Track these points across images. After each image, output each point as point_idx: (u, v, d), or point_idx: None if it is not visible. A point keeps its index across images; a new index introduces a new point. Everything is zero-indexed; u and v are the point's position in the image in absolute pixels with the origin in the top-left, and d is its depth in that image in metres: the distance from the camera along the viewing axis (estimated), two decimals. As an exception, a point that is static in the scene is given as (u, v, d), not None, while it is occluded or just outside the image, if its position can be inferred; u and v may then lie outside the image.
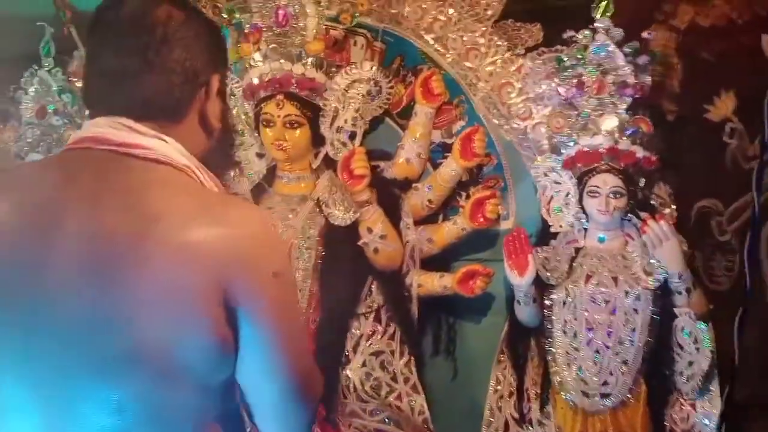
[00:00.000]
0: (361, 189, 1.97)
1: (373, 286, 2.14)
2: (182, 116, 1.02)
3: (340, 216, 2.04)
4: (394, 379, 2.06)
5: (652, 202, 2.05)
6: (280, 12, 2.09)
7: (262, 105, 2.10)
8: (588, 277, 1.96)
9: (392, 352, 2.09)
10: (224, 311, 0.93)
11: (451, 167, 2.10)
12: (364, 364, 2.06)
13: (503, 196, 2.22)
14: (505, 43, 2.21)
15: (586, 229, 2.04)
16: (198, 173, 1.01)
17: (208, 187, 1.02)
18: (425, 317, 2.22)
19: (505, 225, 2.22)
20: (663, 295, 1.92)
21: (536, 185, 2.13)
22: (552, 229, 2.10)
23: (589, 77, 2.00)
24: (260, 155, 2.19)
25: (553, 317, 1.97)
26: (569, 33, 2.02)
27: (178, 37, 1.00)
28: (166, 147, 0.98)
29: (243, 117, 2.18)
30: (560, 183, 2.08)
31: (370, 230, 2.03)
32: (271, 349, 0.98)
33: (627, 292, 1.92)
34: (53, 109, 2.49)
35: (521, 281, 1.97)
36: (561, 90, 2.04)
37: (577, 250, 2.03)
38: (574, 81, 2.01)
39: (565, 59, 2.03)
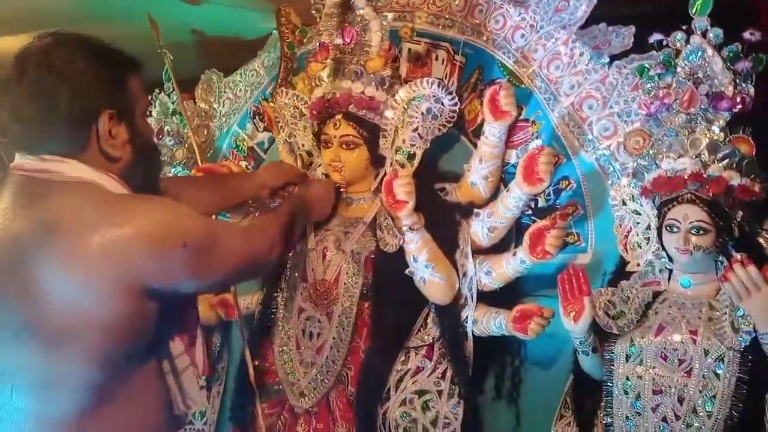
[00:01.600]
0: (406, 214, 1.84)
1: (429, 319, 1.98)
2: (82, 149, 1.22)
3: (389, 242, 1.92)
4: (435, 423, 1.88)
5: (760, 240, 1.65)
6: (347, 29, 2.04)
7: (322, 125, 2.06)
8: (660, 329, 1.62)
9: (439, 393, 1.92)
10: (144, 296, 1.19)
11: (514, 192, 1.88)
12: (403, 403, 1.91)
13: (583, 225, 1.94)
14: (589, 50, 1.92)
15: (670, 270, 1.70)
16: (105, 183, 1.22)
17: (129, 193, 1.25)
18: (488, 357, 2.02)
19: (582, 259, 1.93)
20: (755, 359, 1.52)
21: (614, 215, 1.83)
22: (628, 268, 1.78)
23: (678, 88, 1.66)
24: (327, 176, 2.14)
25: (613, 373, 1.66)
26: (657, 36, 1.71)
27: (53, 90, 1.17)
28: (70, 167, 1.20)
29: (311, 137, 2.16)
30: (640, 214, 1.76)
31: (415, 258, 1.88)
32: (202, 287, 1.44)
33: (707, 351, 1.55)
34: (168, 130, 2.70)
35: (575, 327, 1.68)
36: (644, 103, 1.72)
37: (656, 294, 1.69)
38: (661, 93, 1.69)
39: (650, 67, 1.72)
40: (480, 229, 1.94)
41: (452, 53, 2.20)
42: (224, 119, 2.80)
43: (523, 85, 2.04)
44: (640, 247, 1.75)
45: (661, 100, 1.68)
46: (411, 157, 2.01)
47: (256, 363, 2.12)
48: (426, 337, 1.97)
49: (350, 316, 1.96)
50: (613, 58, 1.89)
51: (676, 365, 1.58)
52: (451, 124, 2.02)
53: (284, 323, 2.07)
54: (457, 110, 2.01)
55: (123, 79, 1.26)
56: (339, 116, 2.01)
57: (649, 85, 1.72)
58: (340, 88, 2.01)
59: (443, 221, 1.96)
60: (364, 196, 2.08)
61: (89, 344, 1.17)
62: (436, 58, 2.23)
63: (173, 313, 1.31)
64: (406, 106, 1.99)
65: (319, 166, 2.17)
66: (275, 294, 2.11)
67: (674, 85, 1.67)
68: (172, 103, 2.73)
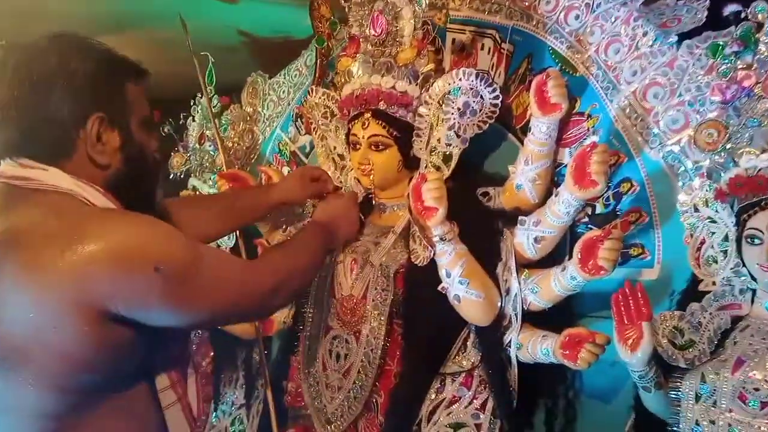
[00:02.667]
0: (436, 222, 1.61)
1: (468, 342, 1.74)
2: (69, 154, 1.14)
3: (420, 254, 1.71)
4: (469, 461, 1.65)
5: None
6: (377, 17, 1.84)
7: (351, 125, 1.87)
8: (739, 363, 1.32)
9: (477, 426, 1.68)
10: (109, 322, 1.06)
11: (563, 197, 1.61)
12: (435, 437, 1.68)
13: (648, 234, 1.65)
14: (655, 29, 1.63)
15: (754, 291, 1.40)
16: (86, 194, 1.12)
17: (106, 207, 1.14)
18: (537, 387, 1.76)
19: (647, 275, 1.65)
20: None
21: (684, 223, 1.53)
22: (701, 287, 1.48)
23: (761, 69, 1.36)
24: (359, 180, 1.95)
25: (680, 416, 1.37)
26: (734, 8, 1.41)
27: (42, 90, 1.11)
28: (49, 175, 1.12)
29: (343, 139, 1.97)
30: (716, 222, 1.46)
31: (447, 273, 1.65)
32: (183, 320, 1.17)
33: (797, 394, 1.25)
34: (208, 135, 2.59)
35: (631, 358, 1.41)
36: (718, 88, 1.43)
37: (736, 320, 1.39)
38: (739, 75, 1.39)
39: (726, 45, 1.42)
40: (525, 239, 1.69)
41: (499, 41, 1.96)
42: (268, 122, 2.66)
43: (577, 74, 1.78)
44: (716, 262, 1.45)
45: (740, 83, 1.39)
46: (447, 158, 1.79)
47: (285, 383, 1.96)
48: (464, 363, 1.73)
49: (379, 336, 1.75)
50: (683, 36, 1.59)
51: (758, 409, 1.27)
52: (492, 120, 1.77)
53: (311, 342, 1.88)
54: (500, 104, 1.76)
55: (118, 84, 1.20)
56: (368, 115, 1.81)
57: (724, 67, 1.43)
58: (369, 83, 1.82)
59: (483, 230, 1.72)
60: (397, 202, 1.87)
61: (43, 369, 1.07)
62: (482, 48, 2.00)
63: (161, 345, 1.20)
64: (441, 101, 1.77)
65: (351, 170, 1.98)
66: (303, 310, 1.94)
67: (755, 65, 1.38)
68: (213, 107, 2.62)
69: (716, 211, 1.45)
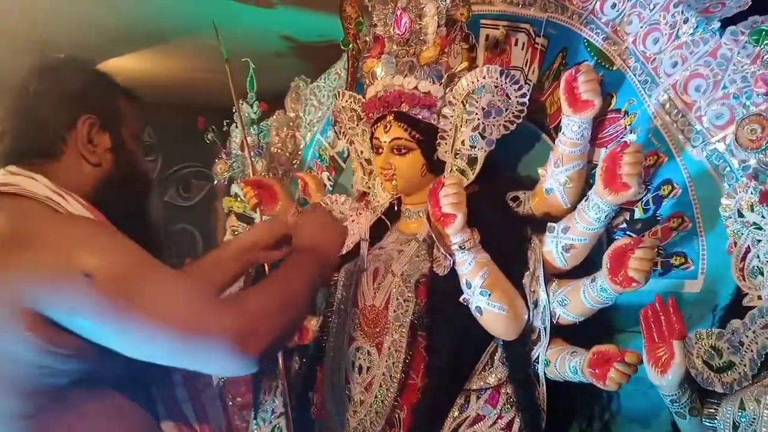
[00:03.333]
0: (454, 230, 1.52)
1: (496, 356, 1.64)
2: (56, 155, 1.19)
3: (442, 262, 1.62)
4: (492, 486, 1.54)
5: None
6: (400, 16, 1.76)
7: (374, 128, 1.80)
8: (785, 390, 1.16)
9: (502, 448, 1.57)
10: (47, 327, 1.02)
11: (592, 202, 1.48)
12: (456, 459, 1.58)
13: (691, 242, 1.49)
14: (696, 15, 1.48)
15: (805, 307, 1.23)
16: (62, 202, 1.12)
17: (67, 214, 1.11)
18: (569, 407, 1.63)
19: (691, 287, 1.49)
20: None
21: (727, 230, 1.37)
22: (745, 302, 1.32)
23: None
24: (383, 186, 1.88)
25: (717, 446, 1.22)
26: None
27: (32, 91, 1.18)
28: (32, 183, 1.13)
29: (368, 143, 1.91)
30: (762, 228, 1.30)
31: (468, 284, 1.55)
32: (124, 329, 1.03)
33: None
34: (251, 142, 2.58)
35: (661, 381, 1.27)
36: (762, 79, 1.27)
37: (785, 340, 1.23)
38: (785, 63, 1.23)
39: (769, 29, 1.26)
40: (554, 247, 1.56)
41: (533, 36, 1.84)
42: (309, 127, 2.63)
43: (614, 68, 1.64)
44: (762, 274, 1.29)
45: (787, 72, 1.22)
46: (472, 161, 1.69)
47: (312, 394, 1.91)
48: (491, 379, 1.62)
49: (400, 349, 1.67)
50: (727, 22, 1.43)
51: (806, 443, 1.12)
52: (520, 120, 1.66)
53: (335, 353, 1.82)
54: (527, 102, 1.65)
55: (110, 94, 1.28)
56: (390, 117, 1.74)
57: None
58: (391, 85, 1.74)
59: (509, 238, 1.62)
60: (422, 208, 1.78)
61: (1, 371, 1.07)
62: (515, 43, 1.89)
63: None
64: (464, 102, 1.67)
65: (378, 175, 1.91)
66: (329, 318, 1.88)
67: (805, 50, 1.21)
68: (254, 113, 2.62)
69: (762, 216, 1.29)
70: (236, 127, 2.68)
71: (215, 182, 2.79)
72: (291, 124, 2.71)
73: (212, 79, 2.24)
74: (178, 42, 3.18)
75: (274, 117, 2.79)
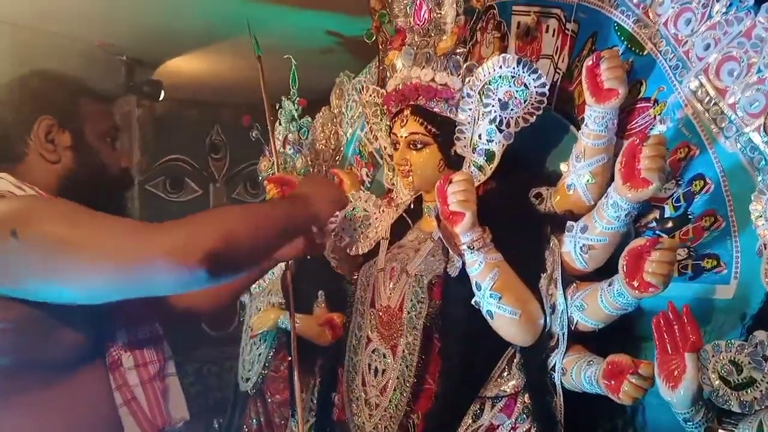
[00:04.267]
0: (462, 229, 1.44)
1: (513, 363, 1.54)
2: (21, 158, 1.25)
3: (454, 263, 1.54)
4: (504, 501, 1.45)
5: None
6: (419, 6, 1.69)
7: (392, 123, 1.74)
8: (811, 413, 1.02)
9: (516, 460, 1.48)
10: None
11: (611, 200, 1.36)
12: (467, 470, 1.50)
13: (724, 243, 1.35)
14: (730, -8, 1.33)
15: (843, 319, 1.08)
16: (22, 194, 1.18)
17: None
18: (593, 420, 1.52)
19: (723, 293, 1.34)
20: None
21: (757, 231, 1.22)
22: (775, 311, 1.18)
23: None
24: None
25: (733, 472, 1.09)
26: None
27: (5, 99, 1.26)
28: None
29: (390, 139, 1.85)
30: (794, 229, 1.15)
31: (477, 286, 1.47)
32: (63, 275, 1.06)
33: None
34: (290, 138, 2.58)
35: (672, 396, 1.14)
36: (794, 60, 1.12)
37: (817, 356, 1.08)
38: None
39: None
40: (573, 248, 1.46)
41: (563, 21, 1.73)
42: (350, 123, 2.60)
43: (644, 53, 1.51)
44: (793, 281, 1.14)
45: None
46: (489, 156, 1.60)
47: (334, 395, 1.88)
48: (506, 386, 1.53)
49: (413, 352, 1.60)
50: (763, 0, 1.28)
51: (832, 475, 0.97)
52: (540, 112, 1.56)
53: (353, 354, 1.78)
54: (546, 93, 1.54)
55: (69, 95, 1.32)
56: (407, 111, 1.67)
57: (803, 31, 1.11)
58: (408, 77, 1.68)
59: (526, 237, 1.52)
60: (440, 206, 1.71)
61: None
62: (546, 30, 1.78)
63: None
64: (481, 93, 1.59)
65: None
66: (349, 318, 1.84)
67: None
68: (295, 110, 2.61)
69: (795, 215, 1.14)
70: (280, 124, 2.69)
71: (259, 178, 2.80)
72: (334, 120, 2.69)
73: (256, 77, 2.25)
74: (233, 42, 3.23)
75: (320, 113, 2.78)
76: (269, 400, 2.54)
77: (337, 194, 1.50)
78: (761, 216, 1.20)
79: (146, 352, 1.30)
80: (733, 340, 1.14)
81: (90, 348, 1.21)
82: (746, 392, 1.09)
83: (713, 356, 1.13)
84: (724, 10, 1.34)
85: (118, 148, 1.37)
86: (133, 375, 1.25)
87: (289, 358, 2.44)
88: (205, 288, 1.12)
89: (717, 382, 1.11)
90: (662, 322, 1.17)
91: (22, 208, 1.10)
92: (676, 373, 1.14)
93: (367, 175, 2.45)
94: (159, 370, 1.31)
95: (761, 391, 1.08)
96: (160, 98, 3.62)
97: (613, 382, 1.31)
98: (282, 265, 2.03)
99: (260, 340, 2.53)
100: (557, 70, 1.74)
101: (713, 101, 1.36)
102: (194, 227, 1.11)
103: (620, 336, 1.46)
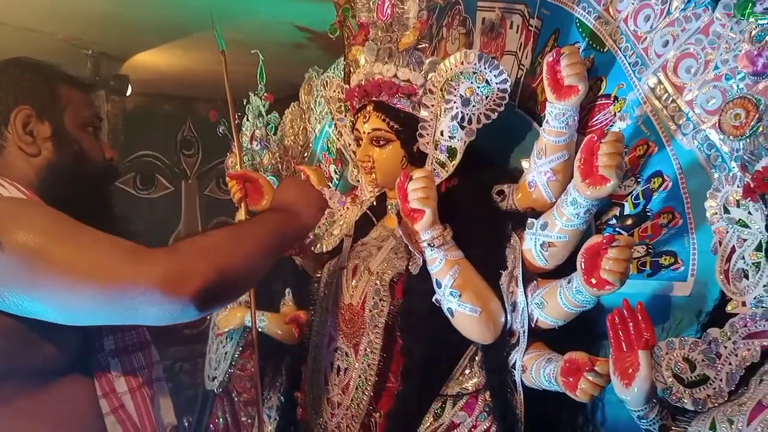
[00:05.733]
0: (422, 226, 1.43)
1: (476, 361, 1.53)
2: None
3: (416, 261, 1.53)
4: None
5: None
6: (383, 0, 1.67)
7: (355, 119, 1.72)
8: (760, 409, 1.02)
9: (476, 459, 1.47)
10: None
11: (571, 197, 1.36)
12: (427, 468, 1.49)
13: (682, 240, 1.35)
14: (689, -13, 1.33)
15: (795, 315, 1.08)
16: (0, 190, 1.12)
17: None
18: (553, 418, 1.51)
19: (679, 290, 1.35)
20: None
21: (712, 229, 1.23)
22: (729, 308, 1.18)
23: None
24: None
25: (686, 469, 1.09)
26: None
27: None
28: None
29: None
30: (748, 227, 1.15)
31: (438, 283, 1.46)
32: (45, 293, 1.01)
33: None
34: (257, 135, 2.55)
35: (626, 394, 1.14)
36: (748, 57, 1.12)
37: (769, 352, 1.09)
38: (774, 38, 1.09)
39: (755, 1, 1.12)
40: (533, 245, 1.45)
41: (527, 17, 1.72)
42: (319, 119, 2.58)
43: (604, 50, 1.51)
44: (747, 278, 1.14)
45: (774, 49, 1.07)
46: (452, 153, 1.59)
47: (297, 395, 1.86)
48: (468, 384, 1.53)
49: (375, 350, 1.59)
50: (717, -3, 1.28)
51: (780, 471, 0.97)
52: (502, 108, 1.54)
53: (315, 353, 1.76)
54: (508, 89, 1.53)
55: (48, 83, 1.26)
56: (369, 107, 1.65)
57: (757, 30, 1.11)
58: (371, 73, 1.66)
59: (487, 235, 1.51)
60: (405, 202, 1.69)
61: None
62: (510, 26, 1.77)
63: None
64: (443, 89, 1.57)
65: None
66: (313, 317, 1.82)
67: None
68: (263, 105, 2.58)
69: (749, 212, 1.14)
70: (247, 120, 2.66)
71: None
72: (303, 116, 2.66)
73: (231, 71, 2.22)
74: (204, 36, 3.18)
75: (289, 109, 2.75)
76: (236, 399, 2.52)
77: (321, 199, 1.52)
78: (716, 213, 1.20)
79: (134, 358, 1.26)
80: (686, 338, 1.14)
81: (76, 356, 1.17)
82: (699, 390, 1.09)
83: (667, 353, 1.13)
84: (682, 6, 1.34)
85: (101, 139, 1.33)
86: (122, 382, 1.21)
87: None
88: (188, 321, 1.09)
89: (670, 380, 1.11)
90: (617, 319, 1.17)
91: (9, 220, 1.03)
92: (630, 370, 1.14)
93: (335, 172, 2.44)
94: (148, 377, 1.27)
95: (714, 388, 1.08)
96: (128, 93, 3.56)
97: (570, 380, 1.31)
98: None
99: (227, 338, 2.50)
100: (521, 67, 1.73)
101: (671, 98, 1.36)
102: (186, 257, 1.07)
103: (580, 334, 1.45)
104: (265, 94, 2.57)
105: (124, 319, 1.07)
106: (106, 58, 3.31)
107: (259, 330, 2.28)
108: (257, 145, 2.54)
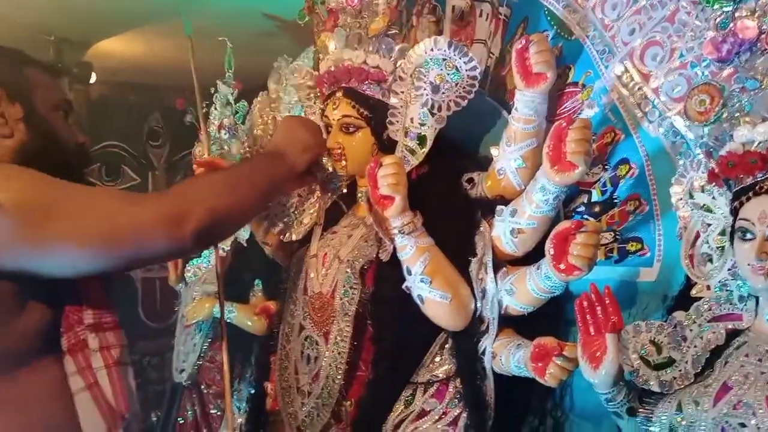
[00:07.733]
0: (393, 213, 1.43)
1: (446, 348, 1.54)
2: None
3: (386, 248, 1.53)
4: (433, 485, 1.45)
5: None
6: (351, -15, 1.66)
7: (324, 105, 1.71)
8: (725, 390, 1.04)
9: (447, 445, 1.48)
10: None
11: (539, 183, 1.37)
12: (399, 455, 1.50)
13: (648, 227, 1.37)
14: (656, -24, 1.35)
15: (757, 299, 1.11)
16: None
17: None
18: (519, 403, 1.53)
19: (646, 275, 1.37)
20: None
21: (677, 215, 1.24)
22: (694, 292, 1.20)
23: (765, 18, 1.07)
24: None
25: (652, 449, 1.11)
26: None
27: None
28: None
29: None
30: (712, 212, 1.17)
31: (408, 270, 1.46)
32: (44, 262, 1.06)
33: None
34: (226, 123, 2.52)
35: (594, 376, 1.16)
36: (712, 43, 1.14)
37: (733, 335, 1.11)
38: (738, 26, 1.10)
39: (720, -12, 1.13)
40: (502, 232, 1.46)
41: (496, 5, 1.72)
42: (288, 109, 2.55)
43: (572, 38, 1.52)
44: (711, 262, 1.16)
45: (737, 36, 1.09)
46: (422, 140, 1.58)
47: (266, 385, 1.84)
48: (439, 371, 1.53)
49: (345, 338, 1.58)
50: (685, -17, 1.29)
51: (741, 448, 0.99)
52: (471, 95, 1.54)
53: (285, 342, 1.75)
54: (477, 77, 1.54)
55: (16, 66, 1.27)
56: (339, 94, 1.64)
57: (721, 17, 1.13)
58: (340, 59, 1.65)
59: (457, 222, 1.51)
60: (376, 190, 1.69)
61: None
62: (480, 14, 1.77)
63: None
64: (413, 76, 1.57)
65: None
66: (281, 306, 1.81)
67: (758, 11, 1.07)
68: (231, 94, 2.54)
69: (713, 197, 1.16)
70: (215, 108, 2.62)
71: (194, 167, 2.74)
72: (272, 105, 2.63)
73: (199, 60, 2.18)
74: (171, 23, 3.13)
75: (258, 98, 2.71)
76: (205, 391, 2.49)
77: (312, 138, 1.58)
78: (682, 199, 1.21)
79: (108, 335, 1.27)
80: (653, 321, 1.16)
81: (47, 338, 1.17)
82: (666, 372, 1.10)
83: (634, 337, 1.14)
84: (650, -3, 1.35)
85: (72, 123, 1.33)
86: (98, 357, 1.22)
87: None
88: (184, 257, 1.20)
89: (637, 363, 1.12)
90: (585, 303, 1.18)
91: (3, 181, 1.06)
92: (598, 353, 1.15)
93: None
94: (120, 356, 1.27)
95: (680, 371, 1.10)
96: (92, 81, 3.49)
97: (540, 365, 1.31)
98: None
99: (195, 330, 2.47)
100: (490, 55, 1.74)
101: (638, 86, 1.37)
102: (183, 198, 1.17)
103: (550, 319, 1.47)
104: (233, 82, 2.53)
105: (124, 262, 1.15)
106: (68, 45, 3.23)
107: (228, 321, 2.25)
108: (225, 134, 2.51)
